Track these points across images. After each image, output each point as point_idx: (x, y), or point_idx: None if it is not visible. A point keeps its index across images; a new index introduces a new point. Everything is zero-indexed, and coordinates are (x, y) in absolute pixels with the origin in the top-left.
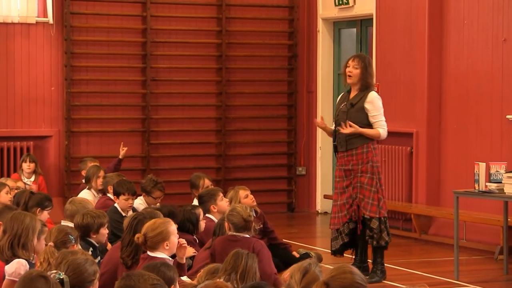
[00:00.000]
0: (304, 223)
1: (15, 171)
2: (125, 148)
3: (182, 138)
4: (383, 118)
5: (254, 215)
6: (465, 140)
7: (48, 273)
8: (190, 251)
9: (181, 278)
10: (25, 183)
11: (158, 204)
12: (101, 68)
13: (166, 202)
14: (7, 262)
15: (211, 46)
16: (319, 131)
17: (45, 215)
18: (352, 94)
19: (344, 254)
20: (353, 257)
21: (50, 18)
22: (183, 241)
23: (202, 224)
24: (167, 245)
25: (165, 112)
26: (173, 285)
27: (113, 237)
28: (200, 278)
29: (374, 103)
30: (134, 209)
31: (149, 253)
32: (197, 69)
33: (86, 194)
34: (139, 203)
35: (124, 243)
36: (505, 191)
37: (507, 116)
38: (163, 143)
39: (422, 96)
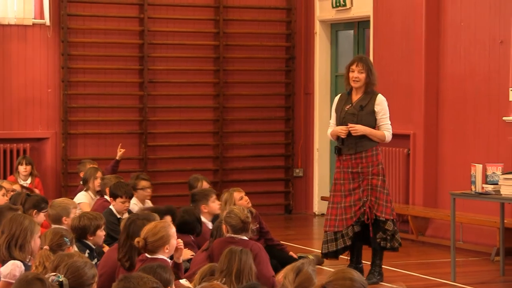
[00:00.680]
0: (301, 225)
1: (11, 173)
2: (123, 150)
3: (180, 140)
4: (389, 122)
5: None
6: (462, 142)
7: (47, 275)
8: (188, 253)
9: (179, 281)
10: (21, 186)
11: (149, 198)
12: (98, 70)
13: (164, 204)
14: (3, 262)
15: (208, 48)
16: (317, 133)
17: (41, 217)
18: (357, 96)
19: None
20: (348, 258)
21: (47, 20)
22: (180, 242)
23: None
24: (167, 249)
25: (162, 114)
26: (169, 287)
27: (109, 239)
28: (196, 280)
29: (382, 105)
30: (129, 211)
31: (147, 255)
32: (194, 71)
33: (83, 196)
34: (133, 203)
35: (120, 244)
36: (501, 192)
37: (504, 118)
38: (161, 145)
39: (419, 98)
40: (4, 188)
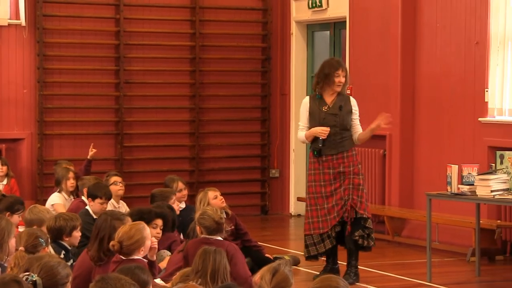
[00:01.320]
0: (278, 226)
1: None
2: (94, 150)
3: (156, 141)
4: None
5: (225, 216)
6: (438, 143)
7: (21, 275)
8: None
9: (155, 280)
10: None
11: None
12: (74, 71)
13: (140, 205)
14: None
15: (184, 49)
16: (293, 134)
17: (15, 219)
18: (331, 98)
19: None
20: (325, 259)
21: (22, 20)
22: (154, 241)
23: None
24: (142, 250)
25: (139, 115)
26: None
27: (85, 240)
28: (175, 280)
29: (356, 107)
30: None
31: (122, 256)
32: (170, 72)
33: (56, 197)
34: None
35: (91, 241)
36: (477, 193)
37: (480, 119)
38: (137, 146)
39: (395, 98)
40: None
